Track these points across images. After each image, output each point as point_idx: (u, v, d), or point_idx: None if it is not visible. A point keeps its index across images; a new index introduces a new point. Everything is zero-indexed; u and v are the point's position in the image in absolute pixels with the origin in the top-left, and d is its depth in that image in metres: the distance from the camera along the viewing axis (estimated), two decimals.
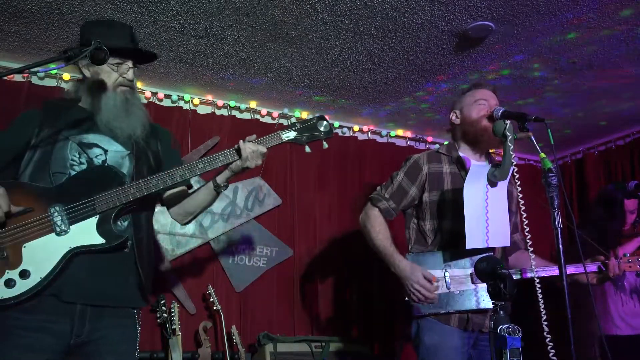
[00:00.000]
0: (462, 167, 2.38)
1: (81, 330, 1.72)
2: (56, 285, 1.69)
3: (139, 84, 3.72)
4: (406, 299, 2.24)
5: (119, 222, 1.81)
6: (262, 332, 3.44)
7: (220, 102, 3.97)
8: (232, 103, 4.00)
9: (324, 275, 3.97)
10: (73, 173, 1.79)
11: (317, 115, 2.03)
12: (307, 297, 3.90)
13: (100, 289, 1.74)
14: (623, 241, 3.20)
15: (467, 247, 2.10)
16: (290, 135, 1.96)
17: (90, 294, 1.73)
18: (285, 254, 3.93)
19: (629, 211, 3.33)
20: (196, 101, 3.90)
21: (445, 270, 2.22)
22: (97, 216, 1.73)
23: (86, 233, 1.71)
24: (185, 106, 3.87)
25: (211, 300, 3.41)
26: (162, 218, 3.60)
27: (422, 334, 2.22)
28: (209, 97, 3.94)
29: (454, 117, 2.47)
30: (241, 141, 1.88)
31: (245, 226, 3.85)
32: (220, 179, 1.98)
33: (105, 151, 1.87)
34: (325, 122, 1.99)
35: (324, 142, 2.01)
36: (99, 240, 1.71)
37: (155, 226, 3.56)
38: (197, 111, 3.91)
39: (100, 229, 1.72)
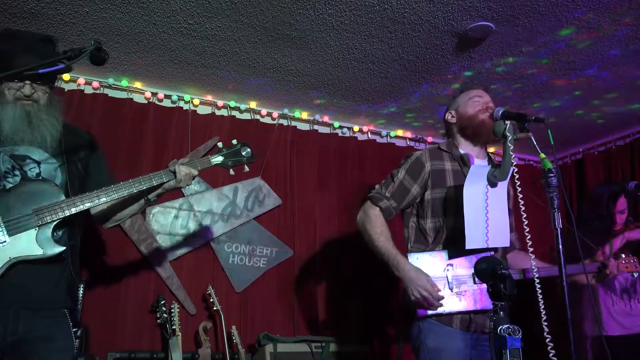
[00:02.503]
0: (464, 164, 2.34)
1: (16, 329, 1.78)
2: None
3: (138, 84, 3.73)
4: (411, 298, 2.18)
5: (55, 233, 1.88)
6: (262, 332, 3.44)
7: (220, 103, 3.97)
8: (232, 103, 4.00)
9: (324, 276, 3.97)
10: (9, 185, 1.85)
11: (241, 142, 2.20)
12: (307, 297, 3.90)
13: (35, 294, 1.83)
14: (610, 240, 3.20)
15: (467, 247, 2.08)
16: (218, 159, 2.14)
17: (26, 299, 1.81)
18: (285, 254, 3.93)
19: (619, 211, 3.33)
20: (196, 101, 3.90)
21: (447, 270, 2.18)
22: (37, 228, 1.81)
23: (25, 244, 1.79)
24: (185, 106, 3.87)
25: (211, 300, 3.41)
26: (162, 218, 3.61)
27: (424, 337, 2.16)
28: (209, 98, 3.94)
29: (449, 117, 2.45)
30: (176, 163, 2.03)
31: (245, 226, 3.85)
32: (152, 195, 2.11)
33: (38, 163, 1.93)
34: (247, 149, 2.19)
35: (245, 166, 2.23)
36: (37, 251, 1.80)
37: (155, 226, 3.57)
38: (197, 111, 3.91)
39: (39, 240, 1.81)
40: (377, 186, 2.39)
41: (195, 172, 2.05)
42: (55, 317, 1.88)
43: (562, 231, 1.75)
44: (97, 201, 1.89)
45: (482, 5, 2.84)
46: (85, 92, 3.60)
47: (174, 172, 2.02)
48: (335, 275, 3.98)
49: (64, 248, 1.85)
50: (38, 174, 1.91)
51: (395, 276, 2.23)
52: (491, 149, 4.94)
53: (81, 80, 3.60)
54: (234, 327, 3.42)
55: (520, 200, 2.00)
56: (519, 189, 2.01)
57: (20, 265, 1.79)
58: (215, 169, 3.77)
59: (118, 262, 3.41)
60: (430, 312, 2.15)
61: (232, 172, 2.23)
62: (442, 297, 2.14)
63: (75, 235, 2.01)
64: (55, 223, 1.84)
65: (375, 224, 2.29)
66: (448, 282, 2.17)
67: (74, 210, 1.85)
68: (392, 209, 2.31)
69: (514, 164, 2.06)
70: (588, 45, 3.23)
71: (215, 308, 3.39)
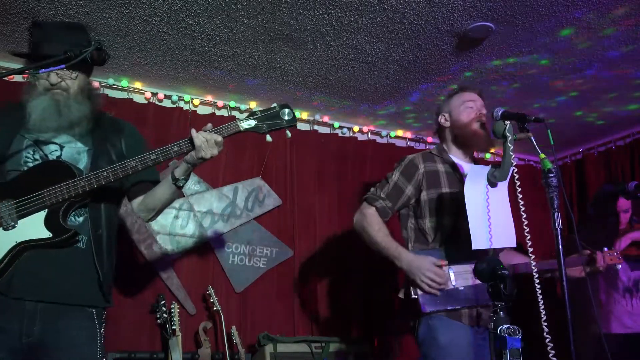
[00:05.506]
0: (455, 168, 2.41)
1: (31, 330, 1.67)
2: (3, 282, 1.66)
3: (138, 84, 3.73)
4: (413, 296, 2.18)
5: (72, 217, 1.77)
6: (262, 332, 3.44)
7: (220, 103, 3.97)
8: (232, 104, 4.00)
9: (324, 276, 3.97)
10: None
11: (281, 104, 1.92)
12: (307, 297, 3.90)
13: (53, 286, 1.70)
14: (616, 240, 3.20)
15: (473, 248, 2.09)
16: (249, 124, 1.86)
17: (42, 290, 1.69)
18: (285, 255, 3.93)
19: (623, 210, 3.34)
20: (196, 102, 3.90)
21: (449, 267, 2.21)
22: (46, 210, 1.70)
23: (33, 227, 1.69)
24: (186, 107, 3.87)
25: (211, 300, 3.41)
26: (161, 218, 3.57)
27: (436, 333, 2.18)
28: (209, 98, 3.94)
29: (442, 120, 2.52)
30: (193, 130, 1.80)
31: (245, 226, 3.85)
32: (178, 172, 1.90)
33: (62, 147, 1.86)
34: (287, 110, 1.89)
35: (287, 132, 1.93)
36: (45, 234, 1.68)
37: (155, 227, 3.56)
38: (197, 112, 3.91)
39: (48, 222, 1.69)
40: (372, 188, 2.46)
41: (219, 138, 1.80)
42: (78, 317, 1.75)
43: (562, 234, 1.75)
44: (110, 180, 1.73)
45: (482, 6, 2.84)
46: None
47: (191, 140, 1.79)
48: (335, 275, 3.98)
49: (73, 231, 1.71)
50: (58, 157, 1.83)
51: (397, 268, 2.26)
52: (491, 149, 4.94)
53: None
54: (234, 327, 3.42)
55: (520, 201, 2.00)
56: (519, 189, 2.02)
57: (33, 252, 1.68)
58: (216, 166, 3.82)
59: (118, 262, 3.40)
60: (434, 308, 2.16)
61: (268, 138, 1.90)
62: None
63: (104, 225, 1.85)
64: (67, 206, 1.71)
65: (373, 222, 2.34)
66: (450, 279, 2.19)
67: (80, 191, 1.71)
68: (388, 209, 2.37)
69: (514, 164, 2.06)
70: (588, 45, 3.23)
71: (215, 308, 3.39)
